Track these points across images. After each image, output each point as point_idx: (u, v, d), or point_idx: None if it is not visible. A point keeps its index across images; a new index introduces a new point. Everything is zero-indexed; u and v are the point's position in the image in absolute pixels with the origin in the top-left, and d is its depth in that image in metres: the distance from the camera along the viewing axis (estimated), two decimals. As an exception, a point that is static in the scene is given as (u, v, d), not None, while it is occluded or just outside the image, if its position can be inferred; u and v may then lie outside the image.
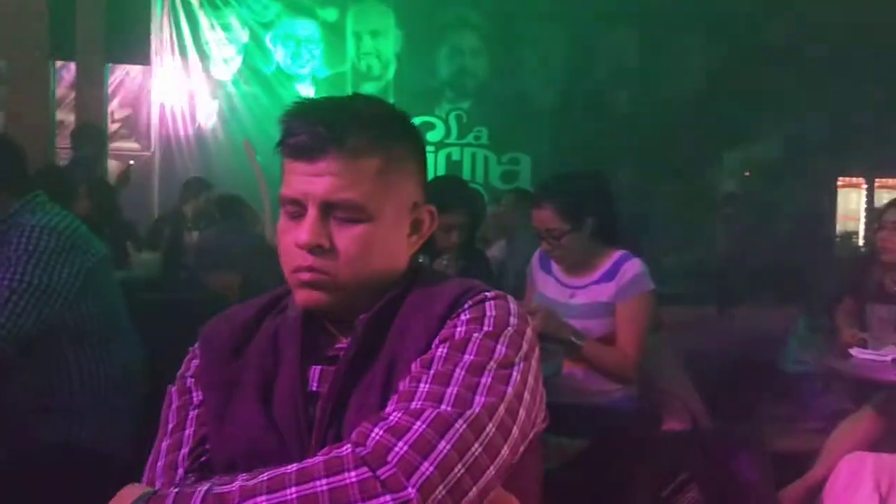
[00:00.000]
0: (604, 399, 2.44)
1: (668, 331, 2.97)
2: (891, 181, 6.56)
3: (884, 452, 2.27)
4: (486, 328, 0.99)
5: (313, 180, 1.01)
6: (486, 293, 1.04)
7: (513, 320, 1.02)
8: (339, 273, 1.02)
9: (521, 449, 0.96)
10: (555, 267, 2.60)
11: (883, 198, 5.94)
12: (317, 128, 1.00)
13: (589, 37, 7.03)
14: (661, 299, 2.80)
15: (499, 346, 0.98)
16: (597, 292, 2.49)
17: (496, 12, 7.28)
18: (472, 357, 0.96)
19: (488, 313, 1.01)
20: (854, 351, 2.51)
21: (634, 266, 2.48)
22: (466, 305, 1.02)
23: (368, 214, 1.02)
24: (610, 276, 2.49)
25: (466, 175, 7.44)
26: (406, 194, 1.07)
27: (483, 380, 0.94)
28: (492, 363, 0.96)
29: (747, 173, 6.65)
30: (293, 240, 1.02)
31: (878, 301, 2.65)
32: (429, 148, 7.36)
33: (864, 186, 6.57)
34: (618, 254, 2.52)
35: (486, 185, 7.40)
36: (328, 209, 1.01)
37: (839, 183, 6.67)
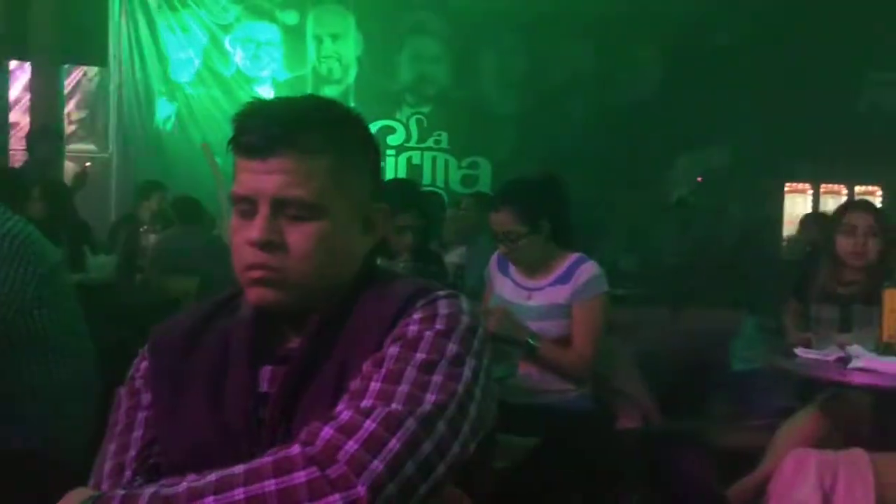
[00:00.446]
0: (558, 399, 2.49)
1: (622, 331, 3.03)
2: (836, 186, 6.77)
3: (828, 449, 2.34)
4: (437, 326, 1.00)
5: (265, 178, 1.01)
6: (439, 292, 1.04)
7: (465, 318, 1.02)
8: (291, 270, 1.02)
9: (473, 447, 0.96)
10: (512, 269, 2.64)
11: (828, 203, 6.11)
12: (269, 126, 1.01)
13: (547, 44, 7.13)
14: (616, 301, 2.87)
15: (451, 345, 0.98)
16: (553, 294, 2.55)
17: (457, 19, 7.33)
18: (423, 355, 0.97)
19: (440, 312, 1.01)
20: (799, 350, 2.58)
21: (590, 269, 2.54)
22: (419, 304, 1.02)
23: (320, 212, 1.02)
24: (566, 278, 2.54)
25: (427, 179, 7.46)
26: (359, 194, 1.08)
27: (435, 378, 0.95)
28: (443, 361, 0.96)
29: (699, 179, 6.81)
30: (245, 238, 1.02)
31: (821, 302, 2.73)
32: (389, 151, 7.38)
33: (810, 192, 6.77)
34: (573, 256, 2.57)
35: (446, 188, 7.43)
36: (280, 207, 1.02)
37: (786, 188, 6.85)
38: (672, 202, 6.48)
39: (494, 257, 2.72)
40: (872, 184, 6.90)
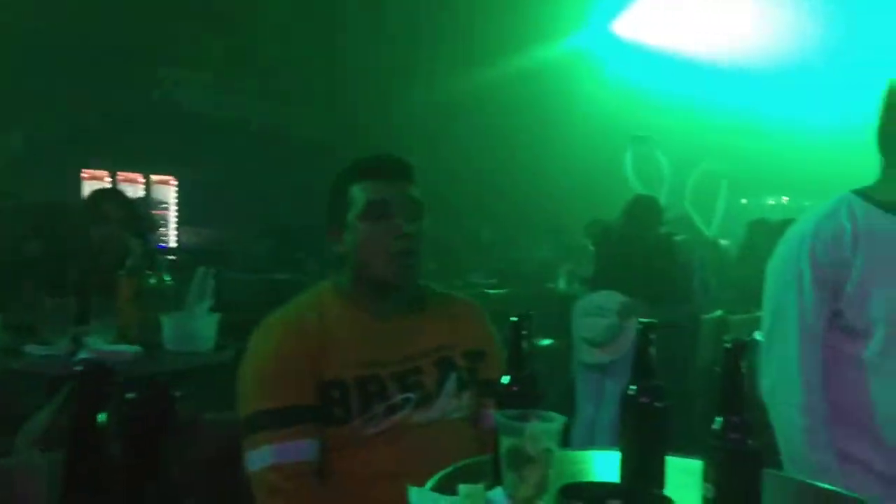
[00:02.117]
0: None
1: None
2: (133, 175, 6.94)
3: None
4: None
5: None
6: None
7: None
8: None
9: None
10: None
11: (127, 191, 6.19)
12: None
13: None
14: None
15: None
16: None
17: None
18: None
19: None
20: (29, 347, 2.48)
21: None
22: None
23: None
24: None
25: None
26: None
27: None
28: None
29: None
30: None
31: (70, 294, 2.68)
32: None
33: (108, 179, 6.79)
34: None
35: None
36: None
37: (84, 175, 6.72)
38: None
39: None
40: (168, 174, 7.29)
